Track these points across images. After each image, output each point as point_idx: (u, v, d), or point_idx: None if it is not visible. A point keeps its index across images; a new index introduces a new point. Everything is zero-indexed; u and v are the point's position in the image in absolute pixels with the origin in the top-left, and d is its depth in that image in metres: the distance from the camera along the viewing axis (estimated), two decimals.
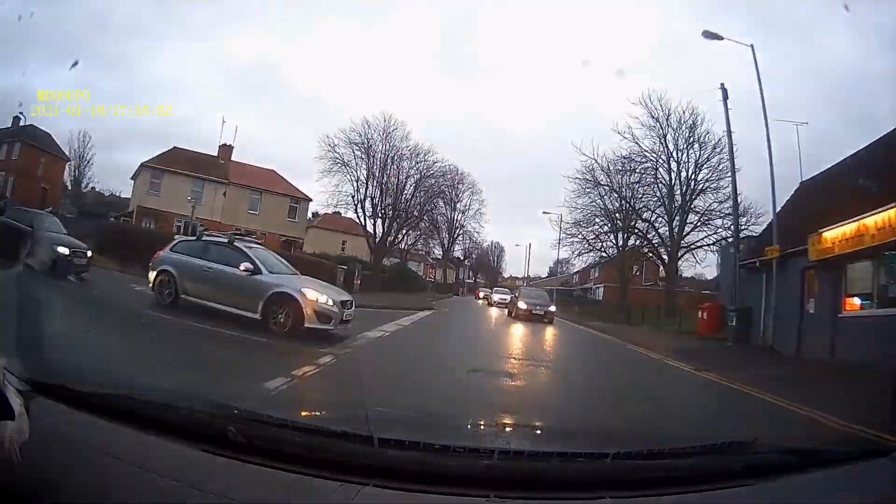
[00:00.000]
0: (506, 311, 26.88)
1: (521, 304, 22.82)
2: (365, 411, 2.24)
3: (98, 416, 1.67)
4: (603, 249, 41.98)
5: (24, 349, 2.33)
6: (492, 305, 34.73)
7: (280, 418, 1.85)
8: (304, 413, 2.78)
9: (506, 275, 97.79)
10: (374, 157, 38.74)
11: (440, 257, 67.74)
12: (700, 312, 22.34)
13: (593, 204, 39.26)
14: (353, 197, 38.28)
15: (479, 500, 1.45)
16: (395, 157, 39.35)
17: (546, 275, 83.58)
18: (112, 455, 1.50)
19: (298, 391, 5.94)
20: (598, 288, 59.35)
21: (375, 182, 38.82)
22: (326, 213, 41.90)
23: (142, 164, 38.47)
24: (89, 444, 1.55)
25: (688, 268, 43.51)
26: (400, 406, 4.64)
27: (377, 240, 39.36)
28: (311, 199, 41.30)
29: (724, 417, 7.75)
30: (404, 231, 43.19)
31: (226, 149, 41.51)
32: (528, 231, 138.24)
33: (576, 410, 7.06)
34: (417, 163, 40.03)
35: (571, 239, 41.00)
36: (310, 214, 46.71)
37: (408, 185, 40.14)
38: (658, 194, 37.69)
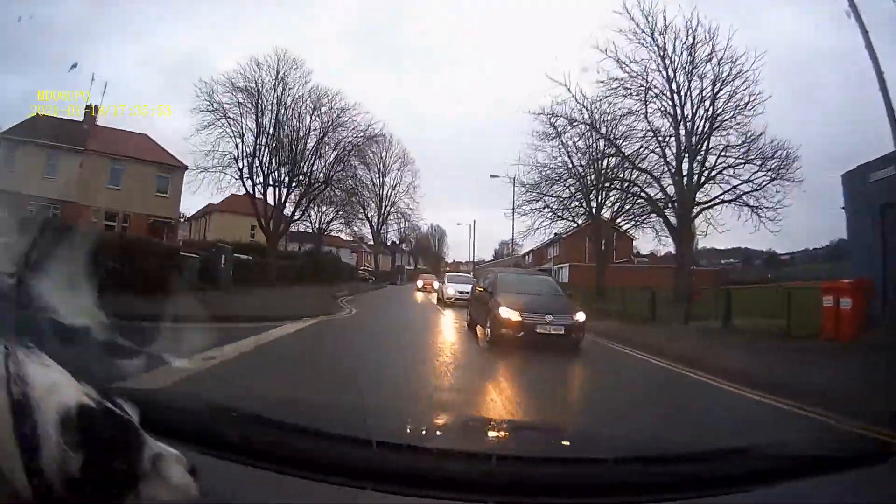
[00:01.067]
0: (466, 317, 15.12)
1: (509, 313, 11.09)
2: (364, 414, 2.31)
3: None
4: (572, 217, 32.86)
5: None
6: (446, 304, 23.89)
7: (278, 420, 1.75)
8: (302, 415, 2.22)
9: (448, 259, 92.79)
10: (264, 106, 27.35)
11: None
12: (832, 298, 12.33)
13: (559, 159, 30.28)
14: (235, 159, 26.80)
15: None
16: (293, 106, 28.00)
17: (491, 257, 75.00)
18: None
19: None
20: (560, 269, 50.96)
21: (267, 138, 27.40)
22: (234, 195, 30.30)
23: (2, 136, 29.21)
24: None
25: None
26: None
27: (269, 216, 27.89)
28: (185, 168, 29.77)
29: None
30: (312, 205, 31.96)
31: (91, 111, 31.22)
32: (470, 214, 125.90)
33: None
34: (321, 111, 28.84)
35: (531, 206, 31.23)
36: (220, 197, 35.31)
37: (310, 141, 28.84)
38: (655, 134, 27.97)
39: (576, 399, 7.66)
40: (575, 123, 29.01)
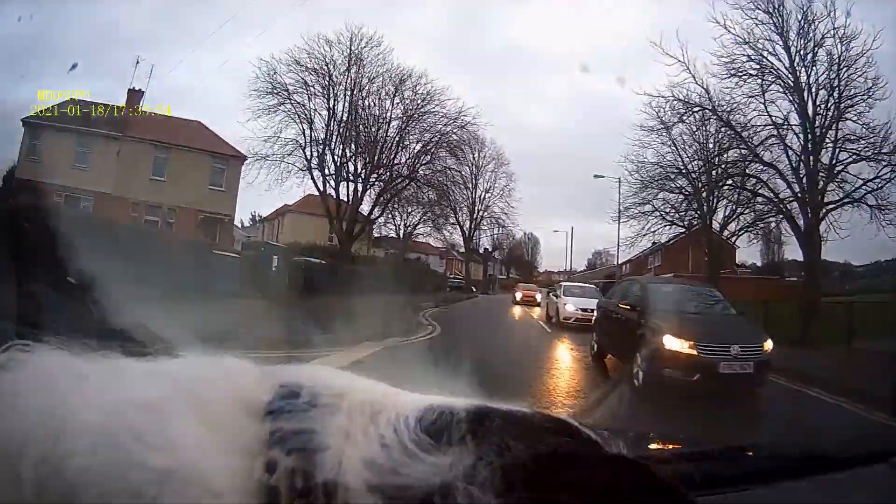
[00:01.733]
0: (591, 344, 11.04)
1: (678, 344, 7.44)
2: None
3: None
4: (682, 222, 28.43)
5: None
6: (560, 324, 17.58)
7: None
8: None
9: (540, 269, 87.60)
10: (336, 88, 24.45)
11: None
12: None
13: (668, 157, 26.35)
14: (301, 147, 24.06)
15: None
16: (370, 87, 24.90)
17: (583, 268, 70.51)
18: None
19: None
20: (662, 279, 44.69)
21: (339, 125, 24.52)
22: (310, 195, 27.54)
23: (23, 121, 26.34)
24: None
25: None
26: None
27: (342, 214, 24.97)
28: (244, 158, 26.50)
29: None
30: (394, 204, 28.90)
31: (134, 96, 27.94)
32: (561, 224, 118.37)
33: None
34: (403, 95, 25.43)
35: (639, 209, 27.25)
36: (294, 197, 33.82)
37: (391, 129, 25.53)
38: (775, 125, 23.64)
39: None
40: (694, 110, 25.06)
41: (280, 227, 43.61)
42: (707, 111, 24.78)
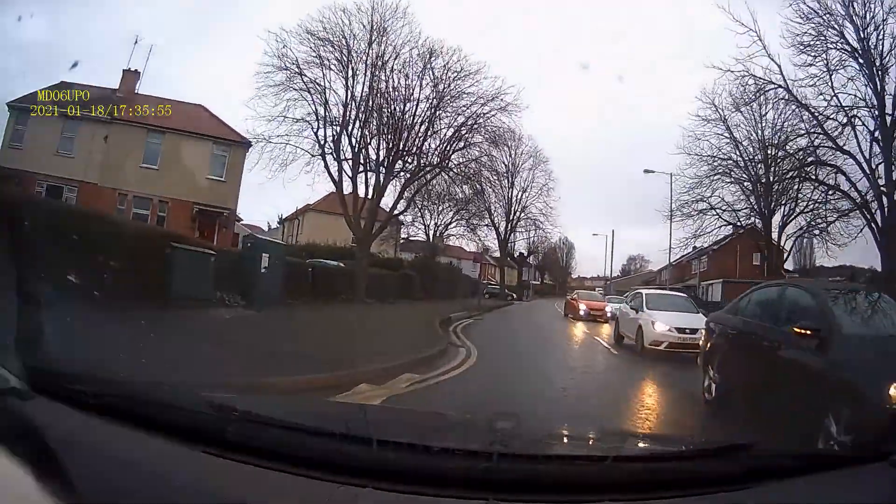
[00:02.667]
0: (704, 385, 7.17)
1: None
2: (364, 412, 2.53)
3: (98, 416, 1.66)
4: (738, 220, 26.36)
5: (23, 348, 2.14)
6: (651, 348, 12.06)
7: (279, 419, 1.78)
8: (303, 414, 2.32)
9: (574, 275, 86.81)
10: (356, 64, 20.79)
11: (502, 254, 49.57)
12: None
13: (724, 149, 24.53)
14: (314, 131, 20.47)
15: (478, 503, 1.40)
16: (395, 62, 21.08)
17: (618, 274, 67.50)
18: (111, 456, 1.50)
19: None
20: (710, 285, 43.06)
21: (358, 105, 20.81)
22: (333, 193, 23.90)
23: (8, 105, 24.04)
24: (88, 445, 1.53)
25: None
26: None
27: (360, 208, 21.27)
28: (249, 144, 22.71)
29: None
30: (422, 198, 25.10)
31: (130, 77, 25.66)
32: (596, 229, 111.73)
33: None
34: (433, 72, 21.46)
35: (694, 206, 25.21)
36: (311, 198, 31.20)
37: (419, 110, 21.60)
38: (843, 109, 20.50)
39: None
40: (766, 90, 22.21)
41: (300, 226, 41.49)
42: (781, 88, 21.85)
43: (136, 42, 30.67)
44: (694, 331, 11.01)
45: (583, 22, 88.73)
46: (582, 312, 24.07)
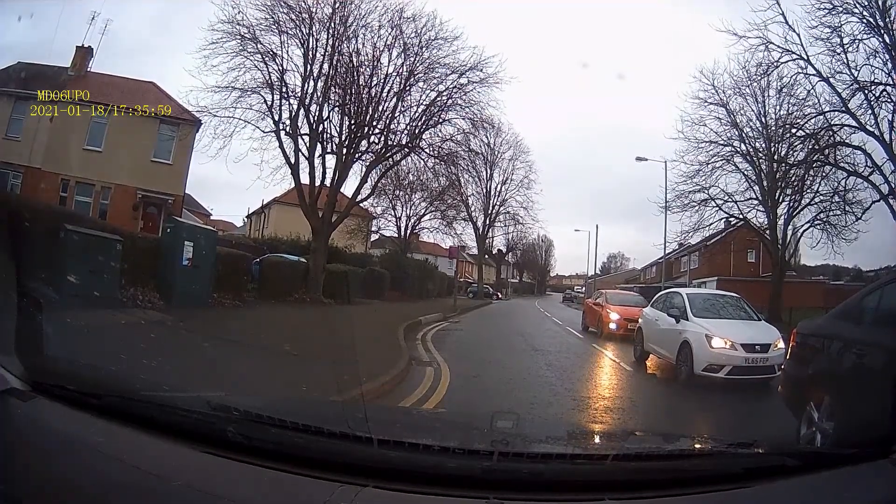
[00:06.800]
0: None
1: None
2: (364, 411, 2.29)
3: (97, 416, 1.66)
4: (740, 213, 24.89)
5: (24, 349, 2.00)
6: (703, 376, 8.26)
7: (279, 419, 1.76)
8: (303, 413, 2.31)
9: (552, 273, 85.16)
10: (318, 31, 17.85)
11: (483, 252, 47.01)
12: None
13: (724, 135, 23.56)
14: (269, 106, 17.48)
15: (479, 502, 1.41)
16: (359, 26, 18.11)
17: (596, 273, 65.39)
18: (111, 455, 1.49)
19: None
20: (703, 284, 40.06)
21: (317, 80, 17.88)
22: (304, 185, 20.87)
23: None
24: (88, 445, 1.53)
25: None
26: None
27: (317, 194, 18.33)
28: (198, 123, 19.38)
29: None
30: (390, 186, 22.24)
31: (82, 54, 23.39)
32: (574, 227, 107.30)
33: None
34: (403, 38, 18.38)
35: (694, 196, 24.08)
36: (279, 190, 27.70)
37: (387, 83, 18.57)
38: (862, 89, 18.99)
39: None
40: (782, 61, 20.50)
41: (266, 220, 39.17)
42: (802, 60, 20.01)
43: (92, 18, 27.82)
44: (765, 348, 8.20)
45: (566, 14, 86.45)
46: (613, 326, 15.39)
